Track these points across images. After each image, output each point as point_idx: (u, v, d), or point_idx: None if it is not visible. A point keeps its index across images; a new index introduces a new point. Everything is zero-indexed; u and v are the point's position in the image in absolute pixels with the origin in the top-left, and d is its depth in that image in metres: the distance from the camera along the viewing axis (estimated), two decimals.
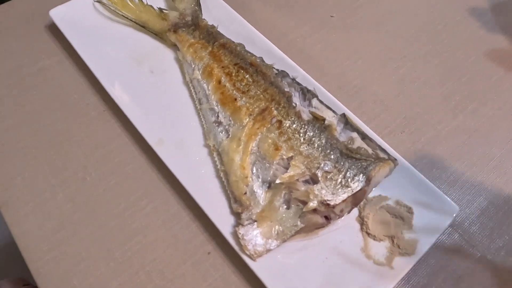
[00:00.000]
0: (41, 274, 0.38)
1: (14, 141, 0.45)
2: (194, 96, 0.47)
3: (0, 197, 0.42)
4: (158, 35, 0.51)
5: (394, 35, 0.55)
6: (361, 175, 0.38)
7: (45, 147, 0.45)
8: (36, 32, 0.53)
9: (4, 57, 0.51)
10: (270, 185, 0.39)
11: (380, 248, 0.38)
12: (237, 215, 0.39)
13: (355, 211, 0.40)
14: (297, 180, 0.38)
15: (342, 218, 0.39)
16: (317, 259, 0.38)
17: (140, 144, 0.45)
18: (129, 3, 0.51)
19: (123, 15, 0.50)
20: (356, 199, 0.37)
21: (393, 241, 0.38)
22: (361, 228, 0.39)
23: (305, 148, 0.40)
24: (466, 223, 0.41)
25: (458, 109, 0.49)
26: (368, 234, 0.39)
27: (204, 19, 0.51)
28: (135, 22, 0.50)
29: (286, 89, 0.44)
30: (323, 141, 0.40)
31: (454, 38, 0.54)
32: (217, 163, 0.42)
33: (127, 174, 0.43)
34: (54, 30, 0.51)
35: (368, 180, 0.37)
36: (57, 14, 0.50)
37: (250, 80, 0.45)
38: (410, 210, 0.40)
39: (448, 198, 0.39)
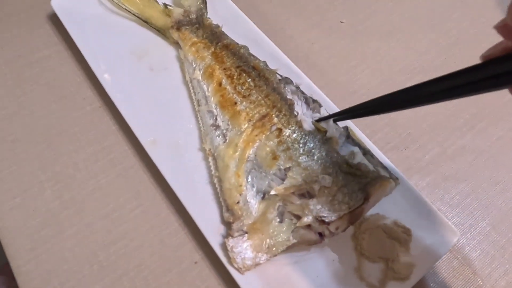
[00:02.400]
0: (22, 272, 0.37)
1: (4, 132, 0.43)
2: (193, 96, 0.45)
3: None
4: (161, 32, 0.49)
5: (405, 46, 0.53)
6: (360, 192, 0.36)
7: (37, 140, 0.43)
8: (36, 21, 0.51)
9: (2, 45, 0.49)
10: (264, 196, 0.38)
11: (374, 270, 0.37)
12: (228, 225, 0.37)
13: (350, 229, 0.38)
14: (293, 193, 0.37)
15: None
16: (308, 276, 0.36)
17: (134, 143, 0.43)
18: None
19: (126, 9, 0.49)
20: (353, 217, 0.36)
21: (388, 264, 0.37)
22: (356, 248, 0.38)
23: (304, 160, 0.38)
24: (466, 249, 0.39)
25: (466, 127, 0.47)
26: (362, 254, 0.37)
27: (209, 18, 0.49)
28: (137, 17, 0.49)
29: (288, 97, 0.42)
30: (323, 153, 0.38)
31: (468, 52, 0.52)
32: (212, 168, 0.41)
33: (118, 174, 0.42)
34: (54, 20, 0.50)
35: (366, 198, 0.35)
36: (58, 4, 0.48)
37: (252, 84, 0.43)
38: (408, 232, 0.38)
39: (449, 222, 0.37)
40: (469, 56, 0.53)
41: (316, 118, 0.41)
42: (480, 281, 0.38)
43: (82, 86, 0.47)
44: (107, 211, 0.40)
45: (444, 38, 0.54)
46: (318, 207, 0.36)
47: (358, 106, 0.37)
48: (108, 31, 0.49)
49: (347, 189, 0.36)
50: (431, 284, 0.38)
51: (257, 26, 0.49)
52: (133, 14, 0.49)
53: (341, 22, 0.54)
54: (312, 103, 0.43)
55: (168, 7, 0.49)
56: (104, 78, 0.44)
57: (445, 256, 0.39)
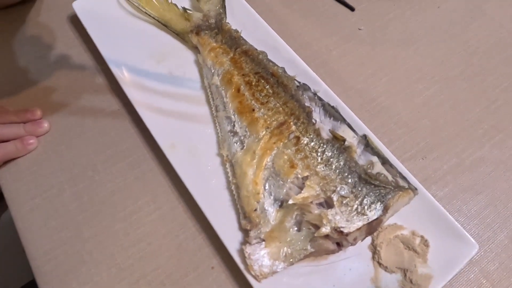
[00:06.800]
0: (42, 272, 0.37)
1: None
2: (211, 102, 0.45)
3: (6, 189, 0.41)
4: (180, 36, 0.49)
5: (423, 54, 0.52)
6: (379, 203, 0.36)
7: (56, 141, 0.44)
8: (57, 22, 0.52)
9: (24, 45, 0.50)
10: (282, 204, 0.38)
11: (391, 280, 0.36)
12: (245, 232, 0.37)
13: (367, 239, 0.38)
14: (311, 202, 0.37)
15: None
16: (325, 285, 0.36)
17: (152, 147, 0.43)
18: (153, 0, 0.50)
19: (146, 12, 0.49)
20: (371, 228, 0.36)
21: (405, 274, 0.37)
22: (373, 257, 0.38)
23: (322, 169, 0.38)
24: (485, 261, 0.39)
25: (485, 138, 0.46)
26: (380, 264, 0.37)
27: (228, 22, 0.49)
28: (157, 20, 0.49)
29: (306, 104, 0.42)
30: (341, 163, 0.38)
31: (487, 62, 0.52)
32: (229, 174, 0.41)
33: (136, 177, 0.42)
34: (75, 22, 0.51)
35: (385, 209, 0.35)
36: (79, 6, 0.49)
37: (270, 91, 0.44)
38: (426, 243, 0.38)
39: (468, 234, 0.37)
40: (488, 66, 0.53)
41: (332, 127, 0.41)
42: None
43: (101, 88, 0.47)
44: (125, 214, 0.40)
45: (463, 47, 0.53)
46: (337, 217, 0.36)
47: None
48: (128, 34, 0.49)
49: (366, 200, 0.36)
50: None
51: (275, 32, 0.49)
52: (153, 18, 0.49)
53: (359, 29, 0.54)
54: (329, 109, 0.43)
55: (188, 11, 0.50)
56: (124, 81, 0.45)
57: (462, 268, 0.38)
